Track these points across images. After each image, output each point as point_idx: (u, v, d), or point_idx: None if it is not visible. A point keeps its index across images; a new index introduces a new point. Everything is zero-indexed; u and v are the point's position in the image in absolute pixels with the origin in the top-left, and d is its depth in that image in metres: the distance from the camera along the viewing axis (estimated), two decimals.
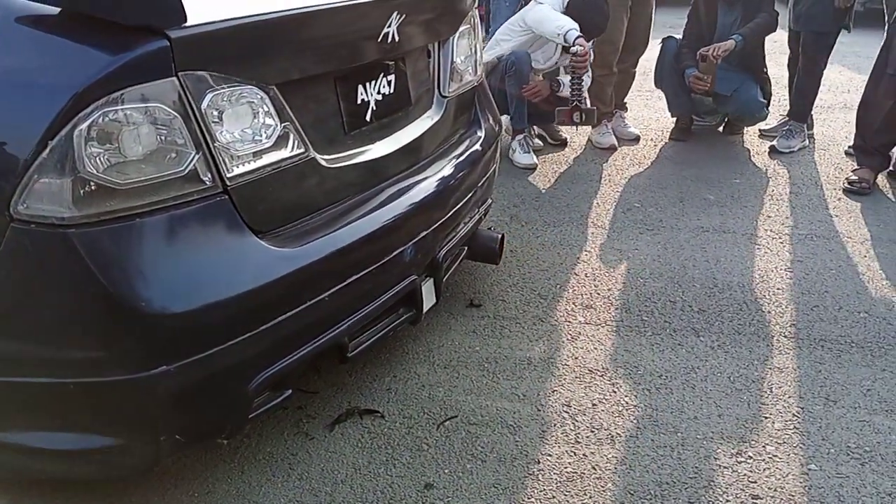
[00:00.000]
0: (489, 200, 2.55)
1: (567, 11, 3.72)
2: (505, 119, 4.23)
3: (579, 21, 3.61)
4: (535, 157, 3.91)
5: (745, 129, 4.42)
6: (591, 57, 3.71)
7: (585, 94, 3.77)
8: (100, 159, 1.30)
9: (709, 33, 4.04)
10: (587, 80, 3.76)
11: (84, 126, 1.27)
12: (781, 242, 2.96)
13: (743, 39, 3.90)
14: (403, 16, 1.85)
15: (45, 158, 1.26)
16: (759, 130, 4.39)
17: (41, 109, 1.27)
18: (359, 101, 1.86)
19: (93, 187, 1.29)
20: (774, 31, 4.02)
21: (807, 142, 4.16)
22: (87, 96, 1.26)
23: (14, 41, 1.33)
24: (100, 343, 1.36)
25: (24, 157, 1.26)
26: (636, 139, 4.29)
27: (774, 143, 4.13)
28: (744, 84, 4.06)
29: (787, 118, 4.26)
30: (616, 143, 4.20)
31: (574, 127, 3.98)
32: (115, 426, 1.44)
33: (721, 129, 4.47)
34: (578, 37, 3.50)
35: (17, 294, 1.34)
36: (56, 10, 1.32)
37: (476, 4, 4.09)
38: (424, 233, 1.96)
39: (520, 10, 4.10)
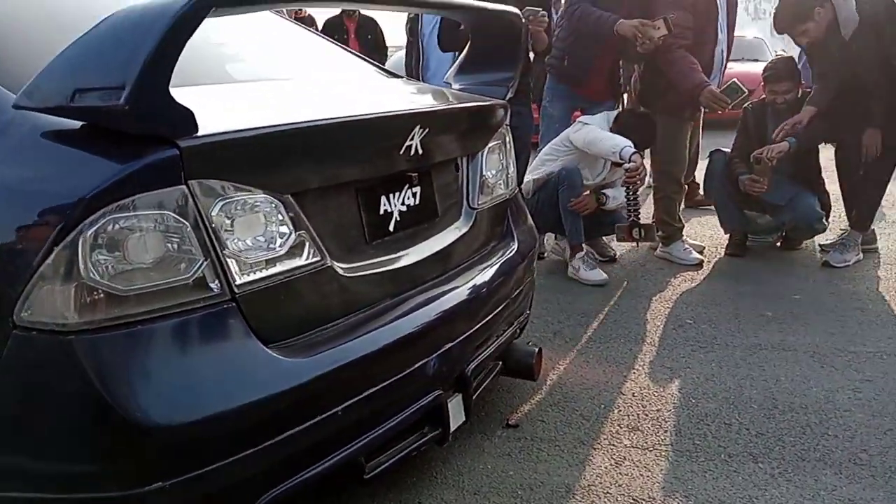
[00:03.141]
0: (526, 313, 2.46)
1: (616, 127, 3.77)
2: (548, 239, 4.22)
3: (630, 135, 3.64)
4: (602, 272, 3.82)
5: (805, 243, 4.26)
6: (645, 170, 3.70)
7: (640, 209, 3.75)
8: (105, 266, 1.29)
9: (758, 145, 4.00)
10: (642, 194, 3.76)
11: (90, 233, 1.27)
12: (847, 361, 2.74)
13: (797, 142, 3.82)
14: (426, 130, 1.86)
15: (49, 265, 1.26)
16: (819, 245, 4.22)
17: (49, 216, 1.28)
18: (381, 212, 1.84)
19: (96, 294, 1.28)
20: (822, 140, 3.94)
21: (861, 255, 3.97)
22: (94, 203, 1.27)
23: (36, 154, 1.38)
24: (94, 456, 1.30)
25: (30, 264, 1.26)
26: (699, 265, 4.06)
27: (827, 258, 3.96)
28: (799, 193, 3.94)
29: (845, 230, 4.10)
30: (702, 258, 4.08)
31: (634, 244, 3.91)
32: None
33: (779, 244, 4.32)
34: (634, 152, 3.52)
35: (14, 404, 1.30)
36: (78, 124, 1.37)
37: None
38: (450, 345, 1.87)
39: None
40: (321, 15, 7.41)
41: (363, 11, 6.22)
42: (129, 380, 1.28)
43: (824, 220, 4.01)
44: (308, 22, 6.71)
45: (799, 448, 2.17)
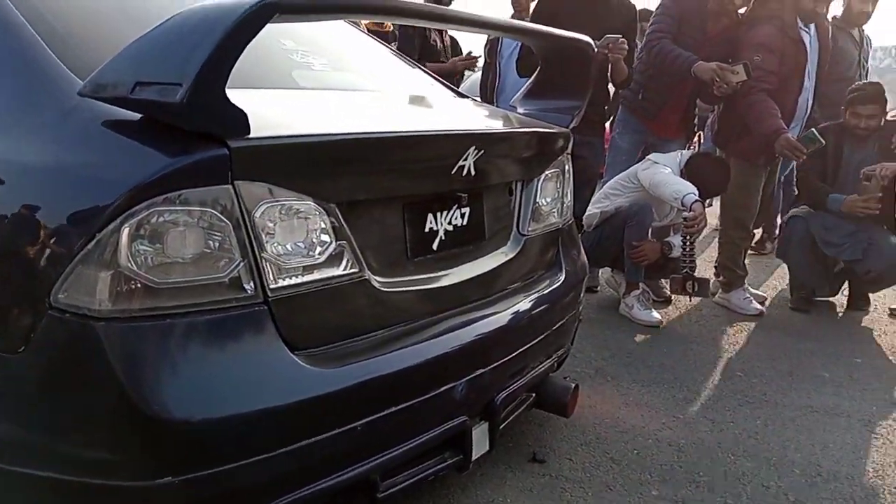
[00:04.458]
0: (567, 347, 2.41)
1: (688, 169, 3.67)
2: (603, 272, 4.13)
3: (699, 180, 3.54)
4: (656, 313, 3.72)
5: (873, 305, 4.07)
6: (706, 222, 3.59)
7: (696, 261, 3.64)
8: (144, 256, 1.31)
9: (832, 173, 3.81)
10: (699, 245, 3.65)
11: (133, 222, 1.29)
12: None
13: None
14: (481, 151, 1.84)
15: (90, 250, 1.29)
16: (890, 309, 4.02)
17: (97, 202, 1.30)
18: (427, 230, 1.83)
19: (132, 283, 1.30)
20: None
21: None
22: (140, 194, 1.29)
23: (93, 141, 1.41)
24: (110, 444, 1.31)
25: (73, 247, 1.29)
26: (759, 315, 3.92)
27: None
28: (873, 236, 3.72)
29: None
30: (762, 309, 3.94)
31: (688, 297, 3.80)
32: None
33: (845, 303, 4.13)
34: (696, 201, 3.41)
35: (42, 383, 1.33)
36: (137, 116, 1.40)
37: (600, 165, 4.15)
38: (482, 371, 1.84)
39: (635, 163, 4.09)
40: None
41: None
42: (152, 371, 1.29)
43: None
44: (392, 38, 6.78)
45: None
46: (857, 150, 3.82)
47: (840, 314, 4.02)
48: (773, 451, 2.43)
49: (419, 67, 2.72)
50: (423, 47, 4.52)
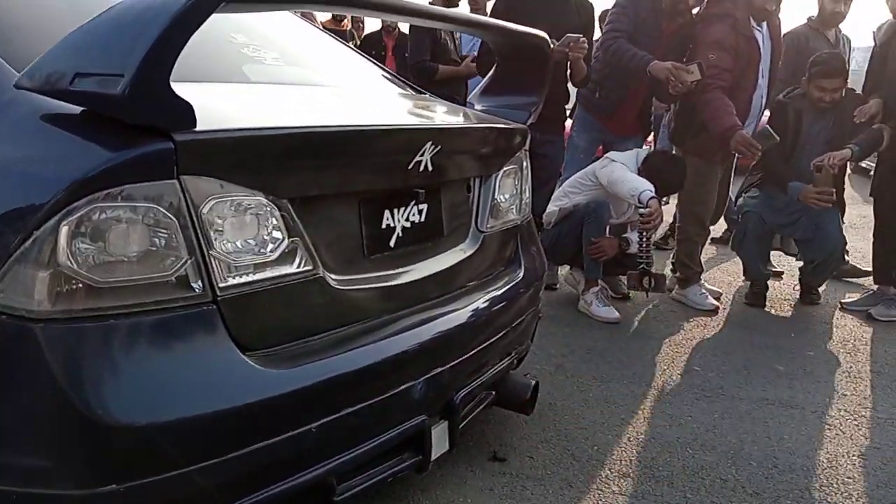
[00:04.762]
0: (526, 344, 2.39)
1: (645, 167, 3.70)
2: (562, 269, 4.15)
3: (657, 178, 3.57)
4: (615, 310, 3.73)
5: (824, 300, 4.15)
6: (662, 218, 3.62)
7: (652, 257, 3.67)
8: (85, 255, 1.25)
9: (791, 144, 3.85)
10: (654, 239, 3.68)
11: (73, 219, 1.23)
12: (857, 425, 2.64)
13: (860, 150, 3.65)
14: (438, 147, 1.81)
15: (28, 248, 1.22)
16: (840, 303, 4.11)
17: (34, 198, 1.24)
18: (383, 226, 1.79)
19: (71, 283, 1.23)
20: (881, 147, 3.80)
21: None
22: (80, 190, 1.23)
23: (31, 135, 1.35)
24: (50, 451, 1.25)
25: (9, 245, 1.23)
26: (714, 311, 3.95)
27: (872, 311, 3.88)
28: (824, 216, 3.80)
29: (870, 290, 4.01)
30: (718, 305, 3.98)
31: (644, 293, 3.83)
32: None
33: (799, 295, 4.21)
34: (652, 197, 3.43)
35: None
36: (78, 109, 1.34)
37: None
38: (440, 370, 1.81)
39: (592, 161, 4.11)
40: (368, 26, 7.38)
41: (403, 29, 6.21)
42: (94, 374, 1.23)
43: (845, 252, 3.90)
44: (349, 37, 6.71)
45: None
46: (816, 122, 3.86)
47: (793, 309, 4.09)
48: (731, 444, 2.45)
49: (376, 64, 2.68)
50: (435, 48, 4.41)
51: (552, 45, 2.41)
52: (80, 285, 1.24)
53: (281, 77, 2.08)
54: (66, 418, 1.22)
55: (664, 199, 4.32)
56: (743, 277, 4.30)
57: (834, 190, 3.73)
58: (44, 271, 1.22)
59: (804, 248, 4.01)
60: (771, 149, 3.79)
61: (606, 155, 3.91)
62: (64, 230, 1.23)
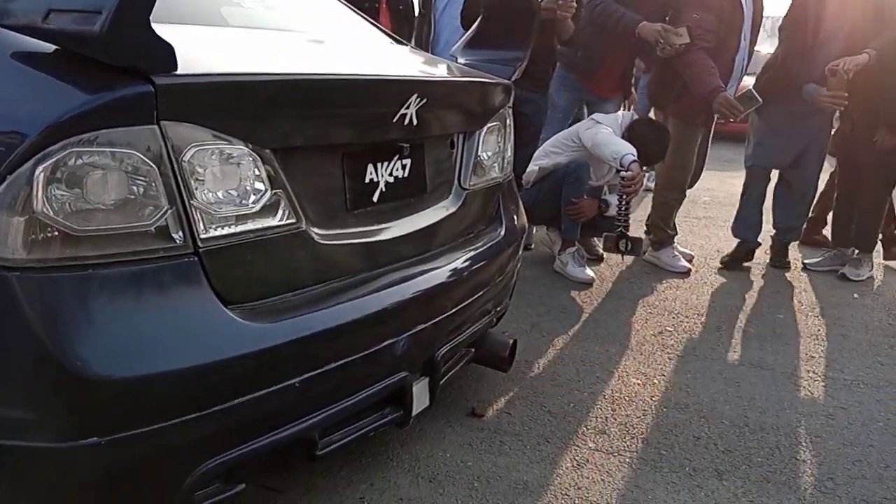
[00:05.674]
0: (505, 302, 2.39)
1: (629, 134, 3.68)
2: (537, 229, 4.15)
3: (639, 146, 3.55)
4: (590, 270, 3.74)
5: (794, 264, 4.22)
6: (643, 183, 3.62)
7: (630, 220, 3.68)
8: (60, 202, 1.20)
9: (812, 36, 3.72)
10: (634, 204, 3.67)
11: (48, 164, 1.18)
12: (824, 386, 2.70)
13: (878, 55, 3.51)
14: (424, 100, 1.77)
15: (0, 193, 1.17)
16: (804, 264, 4.19)
17: (7, 142, 1.19)
18: (367, 180, 1.76)
19: (47, 231, 1.19)
20: None
21: (873, 271, 3.98)
22: (55, 134, 1.17)
23: (4, 75, 1.28)
24: (29, 403, 1.22)
25: None
26: (686, 273, 4.01)
27: (844, 270, 3.98)
28: (811, 144, 3.84)
29: (832, 251, 4.11)
30: (691, 266, 4.03)
31: (620, 256, 3.84)
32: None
33: (769, 259, 4.27)
34: (633, 161, 3.42)
35: None
36: (52, 47, 1.28)
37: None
38: (422, 327, 1.80)
39: (573, 123, 4.08)
40: None
41: None
42: (73, 325, 1.20)
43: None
44: None
45: (765, 469, 2.12)
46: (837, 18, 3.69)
47: (763, 272, 4.15)
48: (704, 403, 2.50)
49: (360, 14, 2.60)
50: None
51: (540, 1, 2.36)
52: (57, 233, 1.20)
53: (260, 21, 2.01)
54: (43, 370, 1.19)
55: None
56: (717, 244, 4.32)
57: (846, 94, 3.62)
58: (18, 218, 1.17)
59: (788, 174, 4.03)
60: (790, 46, 3.70)
61: (591, 116, 3.88)
62: (40, 176, 1.18)
